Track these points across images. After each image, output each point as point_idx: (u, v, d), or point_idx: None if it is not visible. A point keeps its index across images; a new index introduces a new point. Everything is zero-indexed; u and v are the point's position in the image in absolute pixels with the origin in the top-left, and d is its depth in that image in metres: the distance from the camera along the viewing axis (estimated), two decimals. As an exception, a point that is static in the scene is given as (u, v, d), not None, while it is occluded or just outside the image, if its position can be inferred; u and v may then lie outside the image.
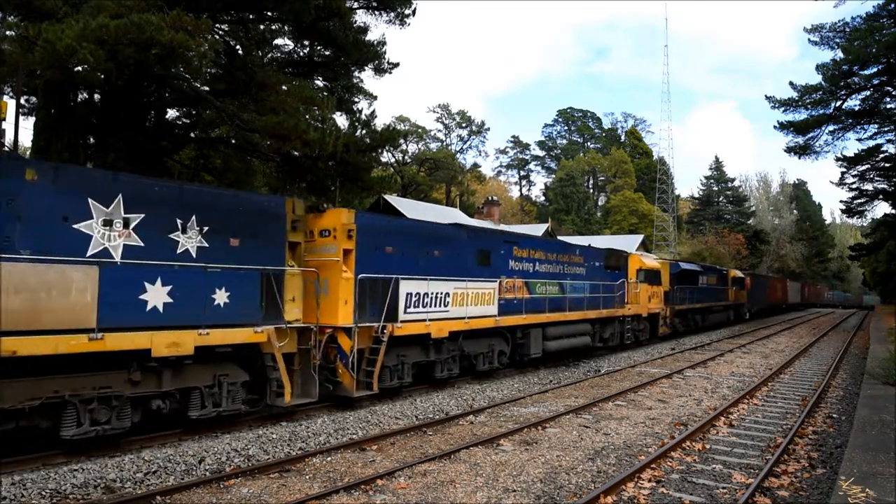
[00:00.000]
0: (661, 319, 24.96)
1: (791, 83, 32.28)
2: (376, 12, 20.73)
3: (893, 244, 45.67)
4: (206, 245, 8.62)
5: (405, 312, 11.66)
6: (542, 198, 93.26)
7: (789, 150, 35.36)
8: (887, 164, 37.19)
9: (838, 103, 32.23)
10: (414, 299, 11.89)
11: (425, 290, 12.17)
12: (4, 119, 11.35)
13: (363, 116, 22.75)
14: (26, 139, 26.56)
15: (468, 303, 13.29)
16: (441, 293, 12.55)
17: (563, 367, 17.72)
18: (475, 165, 77.86)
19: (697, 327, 31.36)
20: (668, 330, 26.29)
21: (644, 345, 23.83)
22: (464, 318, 13.13)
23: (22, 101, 18.84)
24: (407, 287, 11.74)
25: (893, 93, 32.12)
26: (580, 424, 10.41)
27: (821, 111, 32.60)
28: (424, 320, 12.09)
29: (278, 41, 22.20)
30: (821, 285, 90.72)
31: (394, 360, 11.56)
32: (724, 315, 36.75)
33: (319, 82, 22.57)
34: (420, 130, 61.85)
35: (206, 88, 18.05)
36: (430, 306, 12.29)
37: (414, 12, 20.91)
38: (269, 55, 21.78)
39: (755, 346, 24.89)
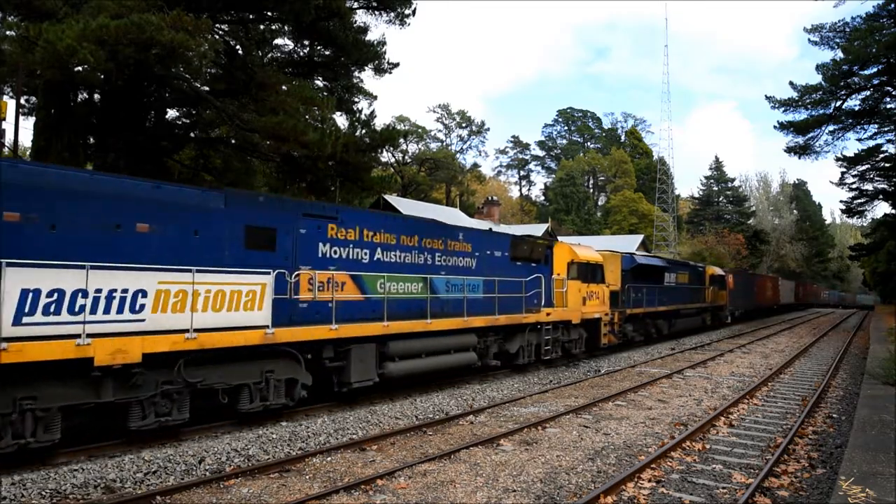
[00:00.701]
0: (604, 326, 19.67)
1: (791, 83, 32.49)
2: (376, 12, 20.83)
3: (893, 244, 45.71)
4: None
5: (20, 323, 6.93)
6: (542, 198, 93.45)
7: (789, 150, 35.52)
8: (887, 164, 37.28)
9: (838, 103, 32.36)
10: (46, 301, 7.16)
11: (78, 284, 7.39)
12: (4, 119, 11.41)
13: (363, 116, 22.84)
14: (26, 139, 26.61)
15: (199, 307, 8.52)
16: (125, 291, 7.80)
17: (563, 366, 17.72)
18: (475, 165, 78.23)
19: (661, 335, 26.03)
20: (615, 339, 20.98)
21: (588, 356, 19.29)
22: (186, 330, 8.33)
23: (22, 101, 18.88)
24: (25, 279, 6.96)
25: (893, 93, 32.20)
26: (580, 424, 10.41)
27: (821, 111, 32.73)
28: (77, 335, 7.32)
29: (278, 41, 22.34)
30: (818, 285, 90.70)
31: (7, 406, 6.98)
32: (698, 319, 31.33)
33: (319, 82, 22.65)
34: (420, 130, 62.02)
35: (206, 88, 18.10)
36: (94, 312, 7.54)
37: (414, 12, 21.03)
38: (269, 55, 21.86)
39: (755, 346, 24.89)
